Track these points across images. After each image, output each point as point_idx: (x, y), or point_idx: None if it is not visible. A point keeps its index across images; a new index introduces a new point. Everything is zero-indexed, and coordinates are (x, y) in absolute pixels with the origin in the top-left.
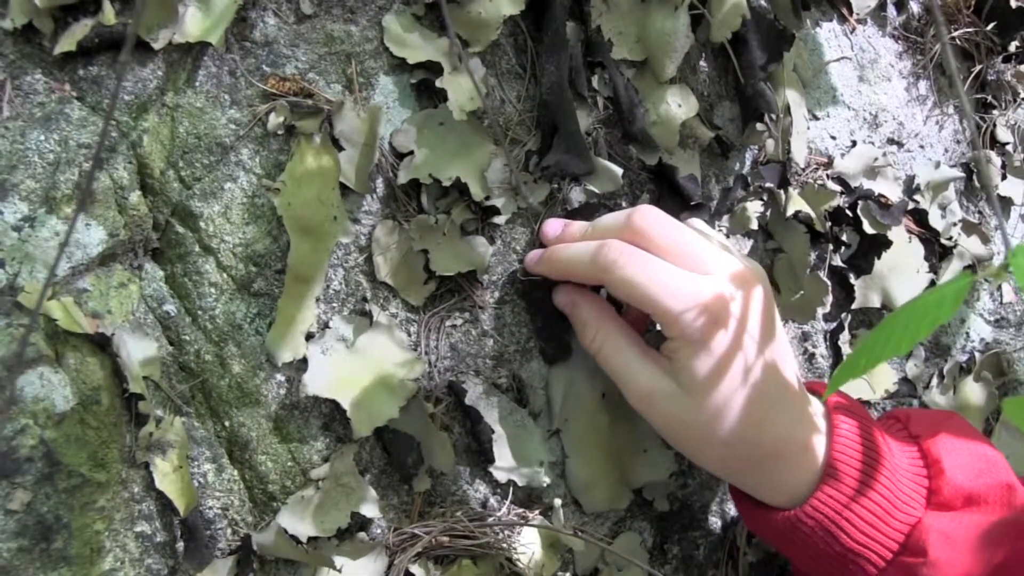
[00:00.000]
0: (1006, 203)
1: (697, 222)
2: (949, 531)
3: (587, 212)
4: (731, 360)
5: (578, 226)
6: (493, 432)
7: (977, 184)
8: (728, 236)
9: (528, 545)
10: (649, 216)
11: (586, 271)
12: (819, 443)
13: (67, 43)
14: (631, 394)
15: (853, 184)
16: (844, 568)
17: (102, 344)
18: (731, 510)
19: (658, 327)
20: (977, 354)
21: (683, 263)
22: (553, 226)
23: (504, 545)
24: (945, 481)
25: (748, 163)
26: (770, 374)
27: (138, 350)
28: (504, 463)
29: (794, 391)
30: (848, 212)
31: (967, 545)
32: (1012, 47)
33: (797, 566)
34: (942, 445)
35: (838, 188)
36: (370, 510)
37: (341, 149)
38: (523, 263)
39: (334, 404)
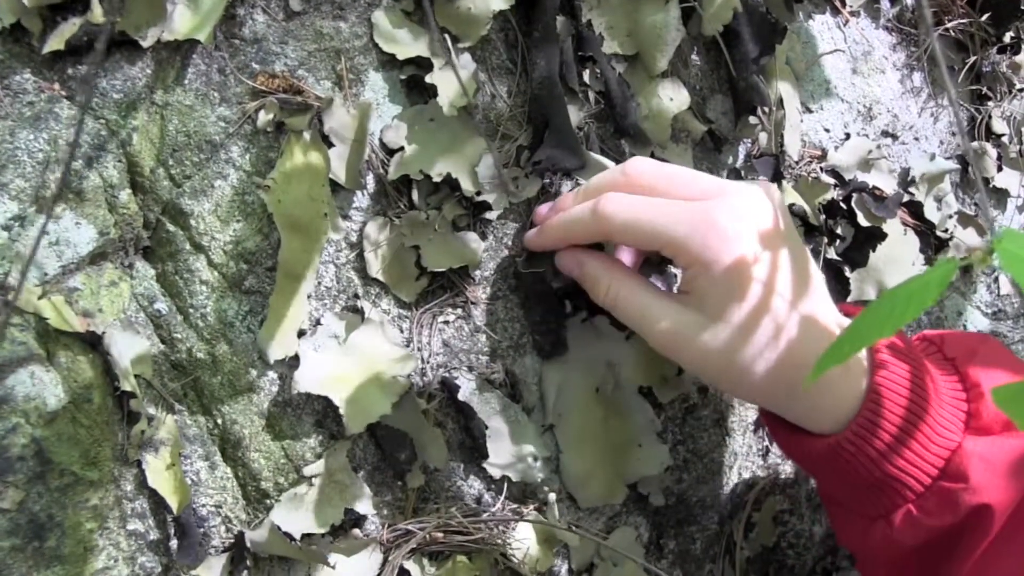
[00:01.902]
0: (1002, 194)
1: None
2: (989, 455)
3: None
4: (752, 277)
5: (569, 195)
6: (487, 428)
7: (972, 176)
8: None
9: (523, 541)
10: (642, 164)
11: (587, 227)
12: (860, 366)
13: (56, 42)
14: (656, 337)
15: (847, 177)
16: (881, 494)
17: (93, 343)
18: (728, 504)
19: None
20: None
21: (685, 194)
22: (544, 208)
23: (499, 541)
24: (985, 405)
25: (741, 157)
26: (800, 291)
27: (129, 348)
28: (498, 459)
29: (829, 310)
30: (843, 205)
31: (1006, 469)
32: (1007, 38)
33: (829, 493)
34: (981, 368)
35: (832, 181)
36: (364, 507)
37: (331, 146)
38: (523, 245)
39: (327, 401)
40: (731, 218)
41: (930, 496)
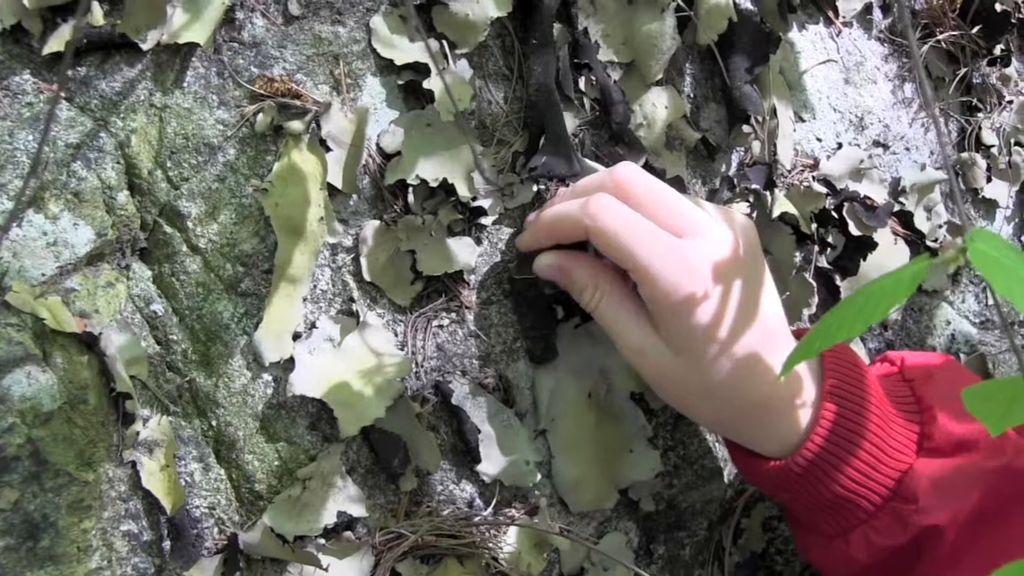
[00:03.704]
0: (991, 205)
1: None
2: (939, 477)
3: None
4: (709, 320)
5: (559, 194)
6: (479, 432)
7: (962, 186)
8: None
9: (514, 545)
10: (630, 172)
11: (574, 223)
12: (810, 392)
13: (56, 44)
14: (623, 350)
15: (839, 186)
16: (836, 513)
17: (89, 343)
18: (717, 510)
19: None
20: (962, 355)
21: (666, 222)
22: (535, 214)
23: (490, 545)
24: (937, 427)
25: (734, 165)
26: (758, 329)
27: (125, 349)
28: (490, 463)
29: (784, 344)
30: (834, 214)
31: (956, 491)
32: (997, 50)
33: (791, 512)
34: (936, 391)
35: (824, 190)
36: (356, 509)
37: (328, 150)
38: (516, 250)
39: (321, 404)
40: (700, 263)
41: (882, 517)
